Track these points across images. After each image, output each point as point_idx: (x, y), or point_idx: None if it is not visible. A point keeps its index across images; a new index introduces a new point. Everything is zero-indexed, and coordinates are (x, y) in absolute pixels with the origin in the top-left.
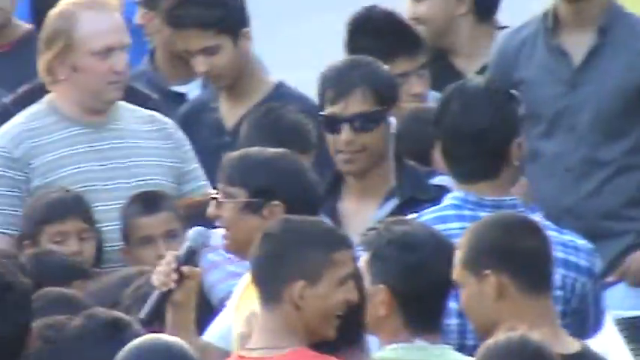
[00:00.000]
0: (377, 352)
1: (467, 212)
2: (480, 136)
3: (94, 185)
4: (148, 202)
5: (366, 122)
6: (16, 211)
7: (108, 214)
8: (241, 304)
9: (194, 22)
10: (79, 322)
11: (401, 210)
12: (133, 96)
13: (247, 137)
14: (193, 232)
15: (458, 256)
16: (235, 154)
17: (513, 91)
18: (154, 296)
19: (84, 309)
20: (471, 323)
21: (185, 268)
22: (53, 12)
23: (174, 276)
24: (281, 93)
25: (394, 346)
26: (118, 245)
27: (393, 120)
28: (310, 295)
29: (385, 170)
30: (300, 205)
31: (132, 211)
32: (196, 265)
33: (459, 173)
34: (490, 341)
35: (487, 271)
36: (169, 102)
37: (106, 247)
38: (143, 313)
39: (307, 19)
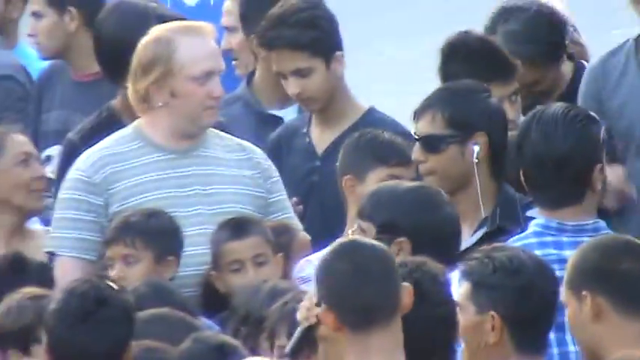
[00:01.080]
0: None
1: (549, 239)
2: (562, 163)
3: (174, 211)
4: (237, 227)
5: (429, 144)
6: (94, 236)
7: (190, 239)
8: None
9: (287, 43)
10: (186, 345)
11: (488, 238)
12: None
13: (344, 161)
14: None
15: (565, 277)
16: (371, 188)
17: (592, 114)
18: (298, 330)
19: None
20: (576, 341)
21: None
22: (148, 39)
23: (316, 310)
24: (373, 118)
25: None
26: (197, 270)
27: (475, 147)
28: None
29: (472, 197)
30: (426, 241)
31: (221, 236)
32: None
33: (543, 200)
34: None
35: (584, 292)
36: (266, 125)
37: (184, 271)
38: (288, 348)
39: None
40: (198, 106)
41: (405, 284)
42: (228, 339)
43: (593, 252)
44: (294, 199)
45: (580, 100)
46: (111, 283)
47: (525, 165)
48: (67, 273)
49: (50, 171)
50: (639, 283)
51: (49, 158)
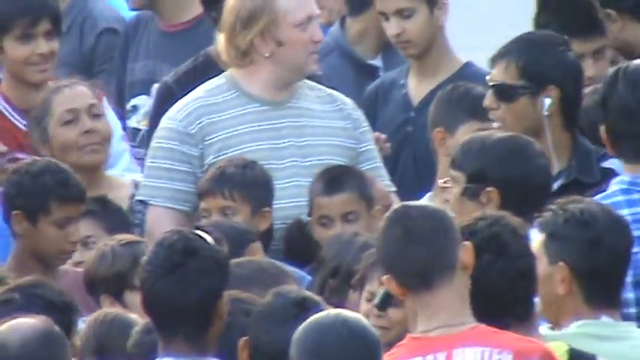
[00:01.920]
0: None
1: (636, 196)
2: (635, 115)
3: (269, 163)
4: (331, 181)
5: (500, 92)
6: (188, 186)
7: (282, 192)
8: None
9: None
10: (268, 298)
11: (565, 191)
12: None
13: (436, 113)
14: None
15: None
16: (465, 138)
17: None
18: (380, 294)
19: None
20: None
21: None
22: None
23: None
24: (469, 72)
25: (580, 322)
26: (288, 223)
27: (546, 100)
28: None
29: (544, 149)
30: (515, 191)
31: (315, 188)
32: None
33: (629, 153)
34: None
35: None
36: (365, 75)
37: (279, 224)
38: (376, 301)
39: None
40: (304, 53)
41: (465, 243)
42: (310, 294)
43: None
44: (383, 136)
45: None
46: (203, 234)
47: (612, 117)
48: (160, 223)
49: (136, 120)
50: None
51: (135, 108)
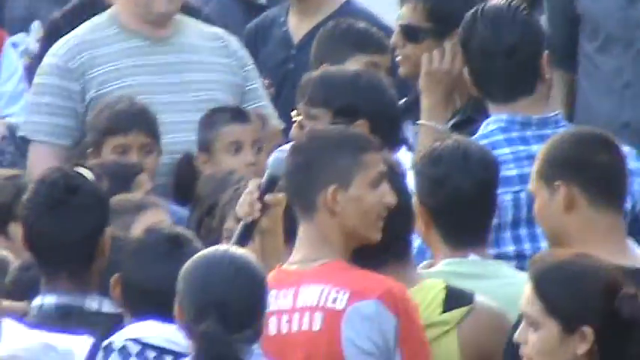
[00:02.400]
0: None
1: (514, 134)
2: (511, 52)
3: (152, 97)
4: (238, 111)
5: (407, 32)
6: (69, 121)
7: (165, 127)
8: None
9: None
10: (140, 235)
11: (458, 128)
12: (183, 9)
13: (320, 49)
14: (273, 159)
15: (534, 167)
16: (314, 74)
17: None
18: (240, 227)
19: None
20: (544, 232)
21: (268, 197)
22: None
23: (258, 205)
24: (350, 9)
25: (446, 261)
26: (175, 157)
27: (447, 44)
28: (344, 199)
29: (447, 88)
30: (382, 123)
31: (220, 118)
32: (278, 191)
33: (495, 93)
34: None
35: (558, 182)
36: (253, 14)
37: (166, 160)
38: (233, 241)
39: None
40: None
41: (332, 186)
42: (183, 230)
43: (569, 143)
44: (266, 81)
45: None
46: (84, 171)
47: (474, 59)
48: (41, 159)
49: (16, 57)
50: (614, 176)
51: (14, 45)
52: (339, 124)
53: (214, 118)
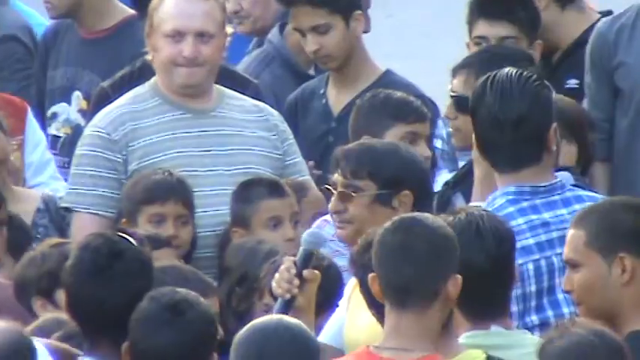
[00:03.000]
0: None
1: (525, 204)
2: (519, 123)
3: (193, 171)
4: (274, 185)
5: (459, 104)
6: (113, 193)
7: (206, 199)
8: (352, 306)
9: None
10: (143, 303)
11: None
12: (232, 80)
13: (358, 121)
14: (308, 234)
15: (578, 236)
16: (354, 146)
17: (545, 81)
18: (278, 304)
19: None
20: (585, 305)
21: (306, 272)
22: None
23: (297, 282)
24: (389, 80)
25: (469, 333)
26: (215, 230)
27: None
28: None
29: None
30: (423, 194)
31: (258, 193)
32: (313, 267)
33: (501, 163)
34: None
35: (622, 254)
36: (302, 84)
37: (202, 232)
38: None
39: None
40: (170, 63)
41: (457, 276)
42: (186, 296)
43: (627, 213)
44: (311, 162)
45: (588, 55)
46: (126, 237)
47: (482, 127)
48: (84, 229)
49: (56, 128)
50: None
51: (55, 115)
52: (386, 196)
53: (251, 192)
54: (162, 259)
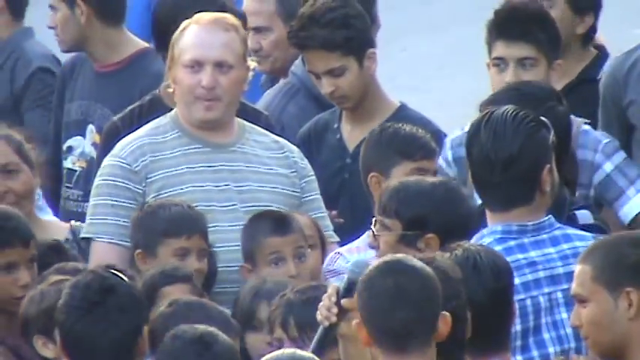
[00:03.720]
0: None
1: (512, 243)
2: (509, 163)
3: (210, 205)
4: (279, 221)
5: None
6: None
7: (223, 234)
8: None
9: (320, 43)
10: (167, 344)
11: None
12: (243, 112)
13: (366, 156)
14: (353, 264)
15: (585, 271)
16: (393, 183)
17: (544, 119)
18: (320, 331)
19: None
20: (593, 340)
21: (344, 301)
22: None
23: (335, 310)
24: (404, 115)
25: None
26: (229, 266)
27: None
28: None
29: None
30: (452, 238)
31: (260, 229)
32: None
33: (492, 202)
34: None
35: (629, 289)
36: None
37: (220, 267)
38: (311, 349)
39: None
40: (188, 94)
41: (445, 313)
42: (208, 330)
43: (633, 248)
44: (334, 212)
45: (602, 92)
46: (117, 272)
47: (474, 166)
48: (104, 259)
49: (72, 161)
50: None
51: (70, 149)
52: (410, 236)
53: (255, 228)
54: (176, 294)
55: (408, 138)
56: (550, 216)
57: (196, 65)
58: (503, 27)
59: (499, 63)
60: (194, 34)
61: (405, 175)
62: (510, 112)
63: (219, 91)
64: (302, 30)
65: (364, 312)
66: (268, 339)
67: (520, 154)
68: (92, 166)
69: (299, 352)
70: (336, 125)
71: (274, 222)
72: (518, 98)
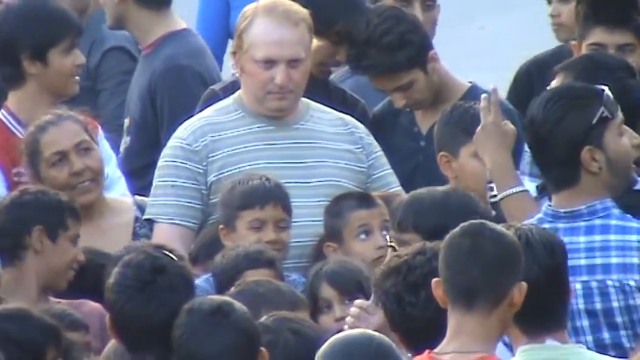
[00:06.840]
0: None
1: (546, 225)
2: (543, 147)
3: None
4: (363, 197)
5: None
6: (194, 203)
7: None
8: None
9: (384, 70)
10: (183, 317)
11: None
12: (340, 98)
13: (438, 136)
14: None
15: None
16: (403, 199)
17: (583, 100)
18: None
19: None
20: None
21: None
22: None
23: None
24: (474, 95)
25: (524, 347)
26: (302, 241)
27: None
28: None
29: None
30: None
31: (346, 206)
32: None
33: (547, 183)
34: None
35: None
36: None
37: (292, 243)
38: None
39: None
40: (260, 89)
41: (522, 283)
42: (224, 299)
43: None
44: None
45: None
46: (168, 252)
47: (529, 148)
48: (166, 239)
49: (125, 142)
50: None
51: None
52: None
53: (341, 206)
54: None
55: (476, 117)
56: (607, 200)
57: (269, 62)
58: (603, 13)
59: (597, 49)
60: (265, 29)
61: (472, 155)
62: (550, 93)
63: (291, 86)
64: (362, 59)
65: (442, 269)
66: (334, 317)
67: (549, 137)
68: None
69: (369, 331)
70: (408, 108)
71: (358, 198)
72: (590, 66)
